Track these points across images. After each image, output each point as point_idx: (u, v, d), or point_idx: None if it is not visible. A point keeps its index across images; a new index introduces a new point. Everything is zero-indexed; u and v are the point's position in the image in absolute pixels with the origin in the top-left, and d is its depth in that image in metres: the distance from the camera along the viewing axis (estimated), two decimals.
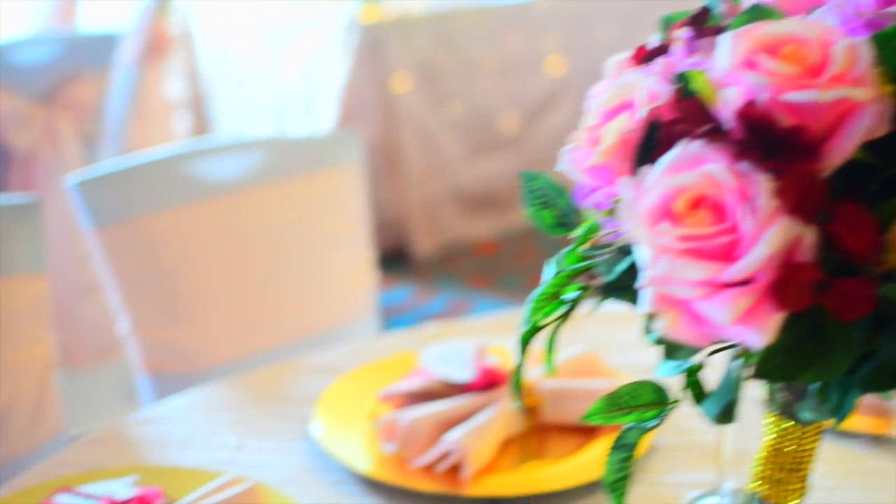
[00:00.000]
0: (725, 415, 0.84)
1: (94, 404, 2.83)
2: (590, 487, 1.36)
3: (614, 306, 1.69)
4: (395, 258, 4.27)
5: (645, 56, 0.91)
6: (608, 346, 1.64)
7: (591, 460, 1.41)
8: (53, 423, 1.75)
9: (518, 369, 0.90)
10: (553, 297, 0.88)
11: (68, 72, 2.97)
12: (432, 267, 4.33)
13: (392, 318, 3.75)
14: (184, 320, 1.96)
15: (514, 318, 1.70)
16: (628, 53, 0.93)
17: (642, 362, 1.34)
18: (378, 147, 4.25)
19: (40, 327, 1.72)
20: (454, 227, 4.49)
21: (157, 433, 1.50)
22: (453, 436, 1.37)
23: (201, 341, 1.97)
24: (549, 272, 0.88)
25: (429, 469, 1.38)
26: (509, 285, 4.13)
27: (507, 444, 1.44)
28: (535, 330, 0.89)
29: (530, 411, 1.46)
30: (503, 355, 1.54)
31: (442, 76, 4.43)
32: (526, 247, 4.47)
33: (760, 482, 1.01)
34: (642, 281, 0.77)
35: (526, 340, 0.89)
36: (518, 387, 0.91)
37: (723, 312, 0.75)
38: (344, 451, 1.41)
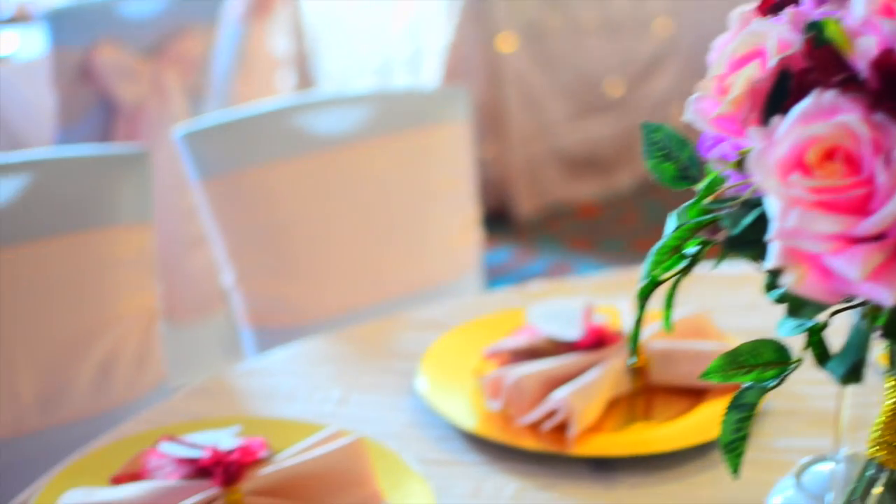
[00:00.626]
0: (852, 375, 0.81)
1: (195, 359, 2.85)
2: (697, 450, 1.34)
3: (725, 268, 1.66)
4: (496, 219, 4.25)
5: (772, 6, 0.88)
6: (717, 308, 1.61)
7: (699, 423, 1.38)
8: (156, 374, 1.76)
9: (637, 325, 0.88)
10: (674, 251, 0.85)
11: (176, 26, 2.98)
12: (534, 229, 4.30)
13: (493, 279, 3.74)
14: (288, 274, 1.95)
15: (621, 278, 1.68)
16: (753, 4, 0.90)
17: (752, 326, 1.31)
18: (481, 107, 4.23)
19: (145, 277, 1.73)
20: (556, 190, 4.45)
21: (261, 385, 1.50)
22: (560, 394, 1.35)
23: (305, 295, 1.97)
24: (670, 225, 0.86)
25: (534, 427, 1.36)
26: (611, 249, 4.10)
27: (614, 404, 1.42)
28: (653, 285, 0.87)
29: (638, 372, 1.43)
30: (611, 315, 1.52)
31: (547, 37, 4.39)
32: (628, 210, 4.43)
33: (878, 448, 0.98)
34: (771, 234, 0.74)
35: (644, 295, 0.87)
36: (635, 342, 0.89)
37: (854, 268, 0.72)
38: (448, 408, 1.39)
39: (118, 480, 1.26)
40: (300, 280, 1.96)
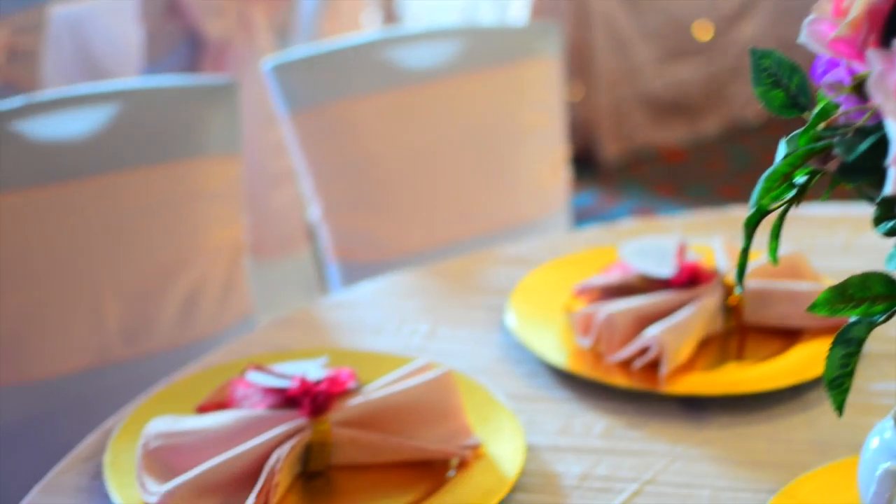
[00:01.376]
0: None
1: (277, 297, 2.85)
2: (791, 391, 1.31)
3: (820, 209, 1.62)
4: (581, 162, 4.21)
5: None
6: (812, 249, 1.58)
7: (792, 364, 1.36)
8: (241, 307, 1.76)
9: (743, 254, 0.85)
10: (784, 179, 0.82)
11: None
12: (618, 172, 4.26)
13: (577, 222, 3.71)
14: (375, 208, 1.94)
15: (712, 218, 1.65)
16: None
17: (846, 267, 1.28)
18: (568, 49, 4.18)
19: (233, 209, 1.72)
20: (642, 134, 4.40)
21: (347, 317, 1.48)
22: (652, 331, 1.33)
23: (391, 230, 1.95)
24: (780, 152, 0.83)
25: (624, 365, 1.34)
26: (696, 194, 4.05)
27: (706, 343, 1.40)
28: (761, 213, 0.84)
29: (731, 311, 1.40)
30: (704, 253, 1.49)
31: None
32: (715, 156, 4.37)
33: None
34: (890, 159, 0.71)
35: (752, 224, 0.84)
36: (742, 272, 0.86)
37: None
38: (537, 344, 1.38)
39: (204, 409, 1.25)
40: (387, 214, 1.95)
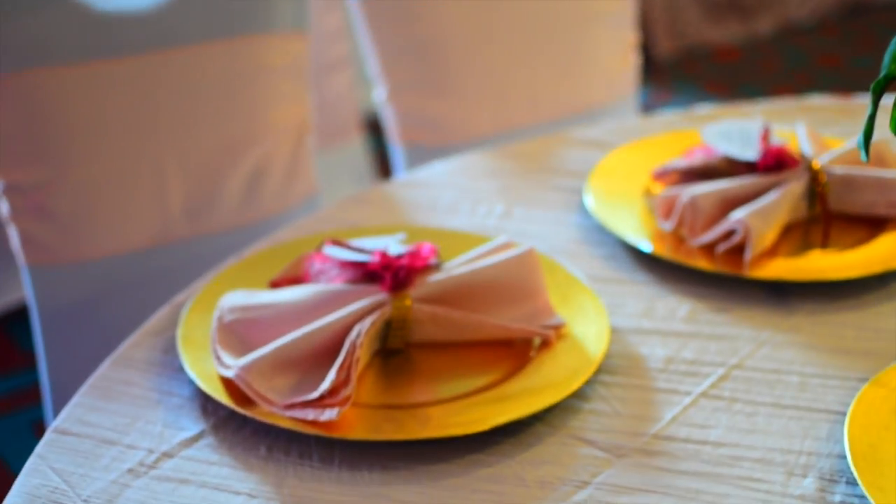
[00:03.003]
0: None
1: (330, 186, 2.81)
2: (878, 280, 1.28)
3: None
4: None
5: None
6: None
7: (878, 252, 1.32)
8: (306, 187, 1.72)
9: (870, 121, 0.81)
10: None
11: None
12: (670, 70, 4.19)
13: None
14: (441, 91, 1.90)
15: (792, 105, 1.60)
16: None
17: None
18: None
19: (299, 88, 1.68)
20: (696, 31, 4.33)
21: (421, 196, 1.45)
22: (738, 215, 1.29)
23: (457, 113, 1.91)
24: None
25: (707, 249, 1.31)
26: (749, 94, 3.98)
27: (789, 230, 1.36)
28: (889, 79, 0.80)
29: (816, 198, 1.36)
30: (788, 139, 1.44)
31: None
32: (769, 56, 4.29)
33: None
34: None
35: (878, 89, 0.80)
36: (868, 140, 0.82)
37: None
38: (618, 226, 1.34)
39: (277, 285, 1.22)
40: (452, 98, 1.91)
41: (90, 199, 1.57)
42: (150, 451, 1.04)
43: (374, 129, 2.98)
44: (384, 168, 2.92)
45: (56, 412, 1.62)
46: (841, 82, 3.93)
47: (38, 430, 2.32)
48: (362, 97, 2.79)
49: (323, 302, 1.15)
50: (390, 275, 1.15)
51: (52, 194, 1.54)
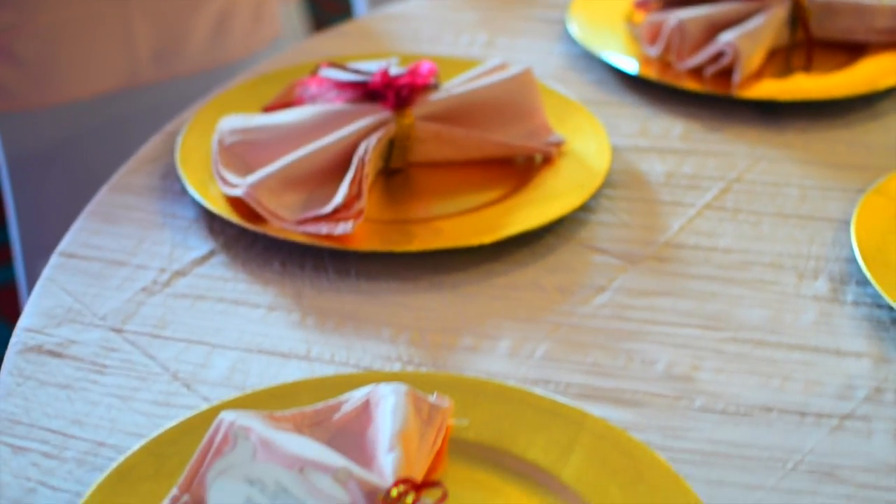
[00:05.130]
0: None
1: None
2: (863, 101, 1.30)
3: None
4: None
5: None
6: None
7: (862, 75, 1.34)
8: (272, 29, 1.70)
9: None
10: None
11: None
12: None
13: None
14: None
15: None
16: None
17: None
18: None
19: None
20: None
21: (402, 28, 1.44)
22: (727, 37, 1.29)
23: None
24: None
25: (695, 72, 1.31)
26: None
27: (772, 55, 1.37)
28: None
29: (798, 24, 1.37)
30: None
31: None
32: None
33: None
34: None
35: None
36: None
37: None
38: (605, 52, 1.34)
39: (270, 110, 1.21)
40: None
41: (56, 43, 1.53)
42: (162, 271, 1.04)
43: None
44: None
45: (29, 271, 1.60)
46: None
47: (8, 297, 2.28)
48: None
49: (326, 121, 1.14)
50: (392, 93, 1.14)
51: (17, 38, 1.51)
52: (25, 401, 0.88)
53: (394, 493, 0.73)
